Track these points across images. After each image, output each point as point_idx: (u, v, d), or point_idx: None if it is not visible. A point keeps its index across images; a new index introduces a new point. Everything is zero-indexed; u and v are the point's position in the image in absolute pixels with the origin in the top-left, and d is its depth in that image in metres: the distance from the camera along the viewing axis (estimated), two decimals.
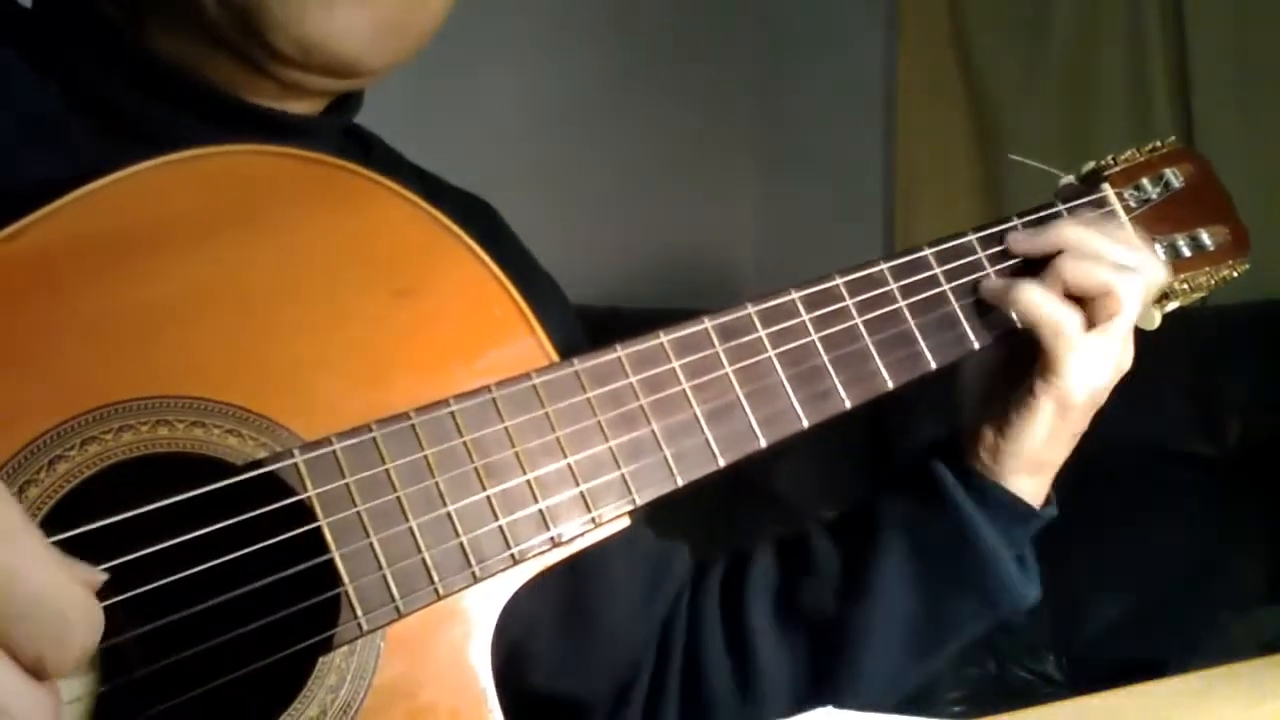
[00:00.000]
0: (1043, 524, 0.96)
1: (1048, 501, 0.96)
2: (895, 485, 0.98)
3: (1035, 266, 0.91)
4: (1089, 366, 0.89)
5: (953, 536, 0.93)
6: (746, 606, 0.97)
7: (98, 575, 0.56)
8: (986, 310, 0.90)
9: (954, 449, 0.96)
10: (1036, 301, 0.88)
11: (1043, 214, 0.94)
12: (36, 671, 0.53)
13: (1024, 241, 0.91)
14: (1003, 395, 0.92)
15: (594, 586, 0.94)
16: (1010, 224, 0.93)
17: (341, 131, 0.91)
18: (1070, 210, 0.95)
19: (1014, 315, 0.89)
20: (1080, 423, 0.92)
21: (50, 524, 0.61)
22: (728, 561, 1.02)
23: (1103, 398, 0.92)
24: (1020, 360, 0.91)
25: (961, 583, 0.94)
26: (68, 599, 0.53)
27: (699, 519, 2.10)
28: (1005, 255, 0.92)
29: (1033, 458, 0.92)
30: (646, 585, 0.99)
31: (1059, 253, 0.90)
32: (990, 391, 0.94)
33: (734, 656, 0.97)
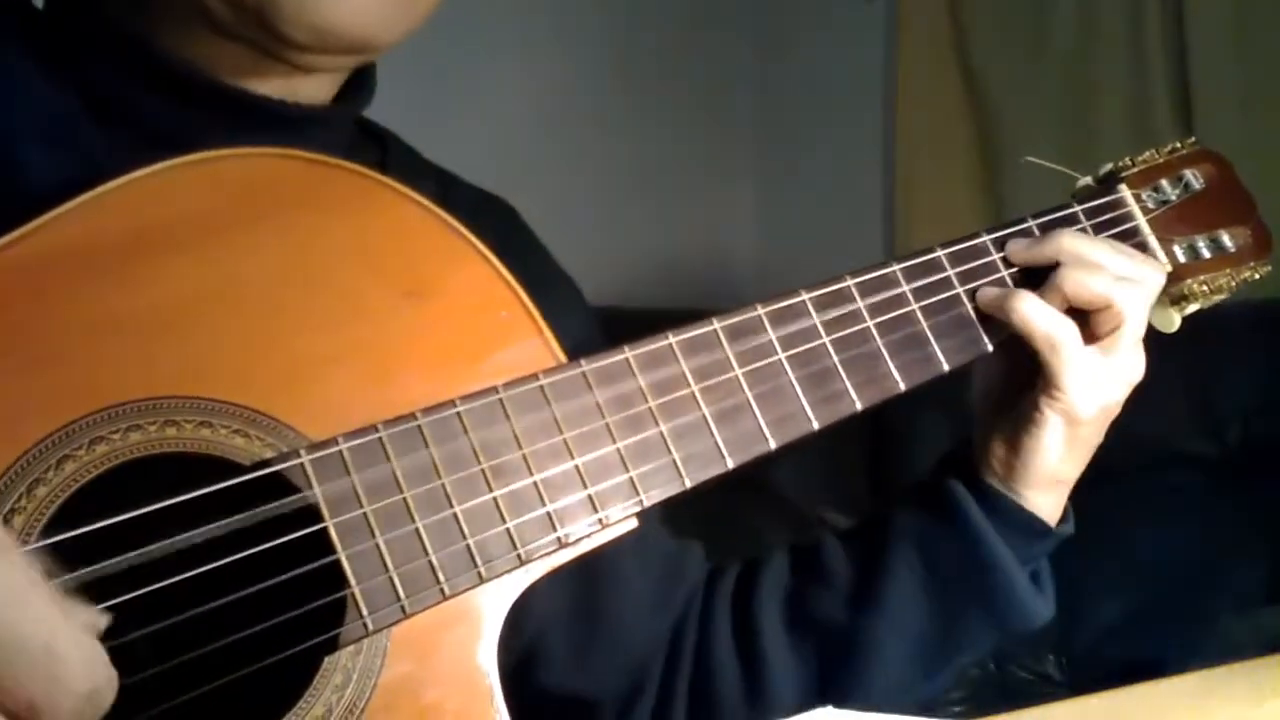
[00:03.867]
0: (1059, 541, 0.94)
1: (1065, 517, 0.95)
2: (909, 498, 0.97)
3: (1046, 270, 0.89)
4: (1093, 380, 0.87)
5: (965, 552, 0.92)
6: (757, 611, 0.97)
7: (98, 618, 0.56)
8: None
9: (968, 462, 0.94)
10: (1030, 315, 0.86)
11: (1059, 215, 0.93)
12: (29, 716, 0.51)
13: (1023, 252, 0.89)
14: (1013, 409, 0.91)
15: (607, 586, 0.94)
16: (1025, 224, 0.91)
17: (352, 121, 0.90)
18: (1086, 212, 0.94)
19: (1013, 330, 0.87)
20: (1094, 436, 0.90)
21: (57, 523, 0.62)
22: (741, 566, 1.01)
23: (1115, 410, 0.90)
24: (1033, 370, 0.89)
25: (972, 598, 0.93)
26: (59, 639, 0.52)
27: (701, 518, 2.09)
28: None
29: (1046, 475, 0.90)
30: (659, 585, 0.98)
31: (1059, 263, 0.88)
32: (1002, 404, 0.92)
33: (743, 661, 0.96)
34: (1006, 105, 2.72)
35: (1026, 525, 0.92)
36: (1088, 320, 0.88)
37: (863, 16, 2.93)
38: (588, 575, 0.89)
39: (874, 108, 2.94)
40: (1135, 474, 2.15)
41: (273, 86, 0.82)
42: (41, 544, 0.61)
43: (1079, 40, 2.64)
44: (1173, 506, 2.15)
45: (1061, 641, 2.10)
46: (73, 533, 0.61)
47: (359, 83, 0.88)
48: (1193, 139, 1.01)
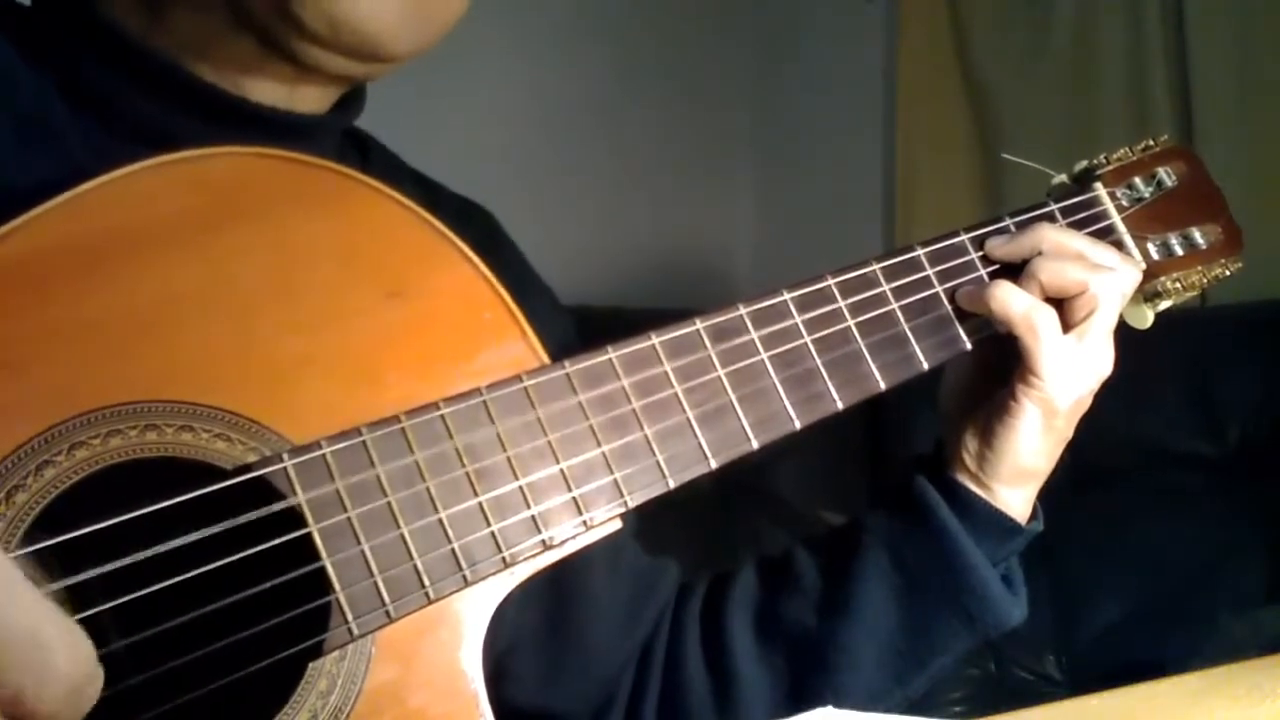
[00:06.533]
0: (1029, 540, 0.94)
1: (1034, 515, 0.95)
2: (880, 500, 0.96)
3: (1022, 269, 0.89)
4: (1070, 368, 0.88)
5: (935, 553, 0.92)
6: (726, 624, 0.96)
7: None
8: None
9: (938, 462, 0.94)
10: (1008, 301, 0.87)
11: (1035, 214, 0.94)
12: (15, 706, 0.51)
13: (1002, 247, 0.90)
14: (986, 403, 0.91)
15: (576, 605, 0.94)
16: (1002, 223, 0.92)
17: (340, 132, 0.90)
18: (1062, 210, 0.94)
19: (991, 317, 0.88)
20: (1065, 430, 0.91)
21: (37, 530, 0.61)
22: (710, 580, 1.01)
23: (1087, 402, 0.90)
24: (1004, 367, 0.90)
25: (944, 600, 0.93)
26: (46, 630, 0.52)
27: (698, 520, 2.10)
28: None
29: (1018, 467, 0.91)
30: (629, 605, 0.98)
31: (1038, 254, 0.89)
32: (974, 400, 0.92)
33: (712, 674, 0.96)
34: (1006, 105, 2.72)
35: (997, 523, 0.92)
36: (1063, 310, 0.88)
37: (863, 16, 2.93)
38: (558, 593, 0.90)
39: (874, 108, 2.94)
40: (1135, 474, 2.15)
41: (271, 92, 0.82)
42: (21, 551, 0.60)
43: (1079, 40, 2.63)
44: (1173, 506, 2.14)
45: (1061, 641, 2.09)
46: (53, 540, 0.61)
47: (351, 95, 0.88)
48: (1165, 136, 1.02)
